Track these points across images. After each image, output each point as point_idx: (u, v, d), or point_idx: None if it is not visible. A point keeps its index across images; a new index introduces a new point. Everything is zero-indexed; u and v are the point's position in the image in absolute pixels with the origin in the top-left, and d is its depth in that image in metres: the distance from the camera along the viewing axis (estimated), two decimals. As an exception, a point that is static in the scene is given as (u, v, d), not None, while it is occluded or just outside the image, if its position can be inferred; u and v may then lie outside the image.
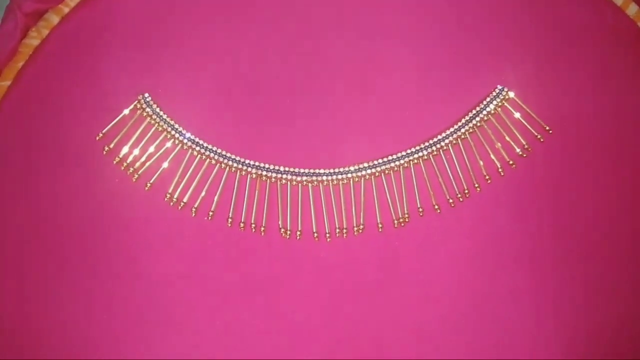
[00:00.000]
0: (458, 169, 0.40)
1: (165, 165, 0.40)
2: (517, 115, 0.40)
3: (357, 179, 0.40)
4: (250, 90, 0.40)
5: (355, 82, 0.40)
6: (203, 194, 0.39)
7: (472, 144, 0.40)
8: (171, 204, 0.39)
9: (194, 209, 0.39)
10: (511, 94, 0.40)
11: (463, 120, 0.40)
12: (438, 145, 0.40)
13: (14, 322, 0.39)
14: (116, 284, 0.39)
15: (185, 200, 0.39)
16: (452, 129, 0.40)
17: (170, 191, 0.39)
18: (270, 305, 0.39)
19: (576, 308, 0.39)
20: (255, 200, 0.39)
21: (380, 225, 0.39)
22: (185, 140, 0.40)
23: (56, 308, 0.39)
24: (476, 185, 0.40)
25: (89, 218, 0.39)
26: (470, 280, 0.39)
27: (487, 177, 0.40)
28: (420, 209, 0.39)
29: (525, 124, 0.40)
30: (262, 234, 0.39)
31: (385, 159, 0.40)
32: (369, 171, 0.39)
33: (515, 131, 0.40)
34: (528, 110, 0.40)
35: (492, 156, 0.40)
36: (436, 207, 0.39)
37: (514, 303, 0.39)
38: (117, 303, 0.39)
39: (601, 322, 0.39)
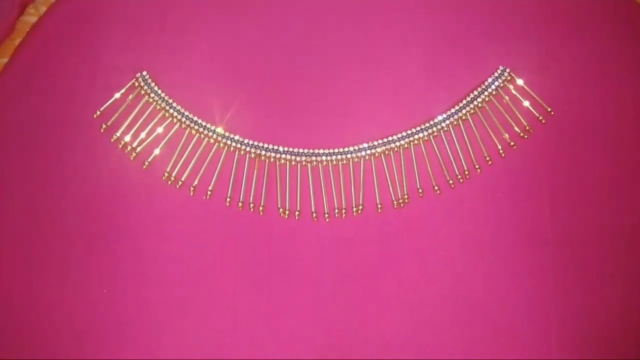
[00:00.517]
0: (459, 150, 0.40)
1: (162, 144, 0.39)
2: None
3: (356, 160, 0.39)
4: (250, 70, 0.40)
5: (356, 63, 0.40)
6: (201, 173, 0.39)
7: (473, 125, 0.40)
8: (169, 182, 0.39)
9: (192, 188, 0.39)
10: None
11: (464, 102, 0.40)
12: (439, 126, 0.39)
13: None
14: (114, 261, 0.38)
15: (183, 179, 0.39)
16: (453, 110, 0.39)
17: (168, 170, 0.39)
18: (268, 283, 0.39)
19: (576, 288, 0.39)
20: (254, 180, 0.39)
21: (379, 206, 0.39)
22: (183, 119, 0.39)
23: (54, 283, 0.39)
24: (477, 166, 0.39)
25: (85, 197, 0.39)
26: (470, 260, 0.39)
27: (487, 159, 0.39)
28: (420, 190, 0.39)
29: (527, 105, 0.40)
30: (261, 213, 0.39)
31: (384, 140, 0.39)
32: (368, 152, 0.39)
33: (516, 112, 0.40)
34: (530, 91, 0.40)
35: (493, 138, 0.40)
36: (436, 188, 0.39)
37: (514, 284, 0.39)
38: (115, 284, 0.39)
39: (601, 303, 0.39)
